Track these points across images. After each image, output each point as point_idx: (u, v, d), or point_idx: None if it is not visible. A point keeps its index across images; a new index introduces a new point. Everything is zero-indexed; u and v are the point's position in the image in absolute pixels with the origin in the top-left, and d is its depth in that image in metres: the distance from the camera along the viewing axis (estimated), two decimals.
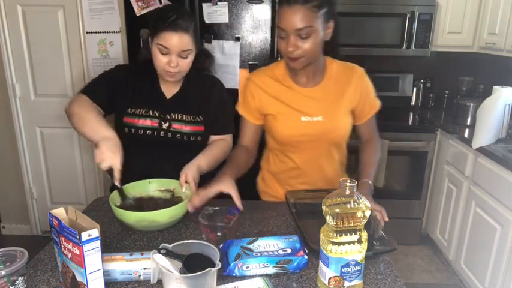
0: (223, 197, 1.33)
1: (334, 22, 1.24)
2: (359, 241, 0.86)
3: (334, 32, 1.25)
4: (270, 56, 2.41)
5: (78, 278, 0.83)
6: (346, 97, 1.34)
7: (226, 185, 1.19)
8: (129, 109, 1.40)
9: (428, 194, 2.82)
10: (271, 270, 0.97)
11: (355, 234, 0.86)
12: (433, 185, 2.78)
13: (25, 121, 2.79)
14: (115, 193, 1.23)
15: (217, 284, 0.89)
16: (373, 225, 1.13)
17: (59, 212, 0.87)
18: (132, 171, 1.31)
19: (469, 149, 2.29)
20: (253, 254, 0.97)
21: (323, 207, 0.86)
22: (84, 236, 0.78)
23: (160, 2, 2.36)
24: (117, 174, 1.23)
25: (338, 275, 0.87)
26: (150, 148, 1.40)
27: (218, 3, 2.32)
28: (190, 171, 1.29)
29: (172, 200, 1.30)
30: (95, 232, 0.80)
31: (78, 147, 2.84)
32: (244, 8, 2.34)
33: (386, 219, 1.14)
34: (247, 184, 1.55)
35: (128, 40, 2.45)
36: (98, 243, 0.81)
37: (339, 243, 0.85)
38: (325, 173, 1.41)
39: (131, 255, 0.96)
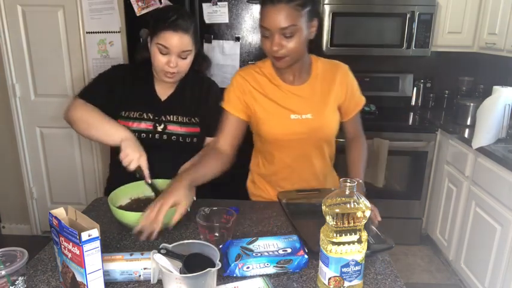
0: (223, 197, 1.33)
1: (317, 20, 1.24)
2: (359, 241, 0.86)
3: (317, 31, 1.25)
4: None
5: (78, 278, 0.83)
6: (332, 94, 1.34)
7: (178, 197, 1.07)
8: (123, 112, 1.40)
9: (428, 194, 2.82)
10: (271, 270, 0.97)
11: (355, 234, 0.86)
12: (433, 185, 2.78)
13: (25, 121, 2.79)
14: (114, 194, 1.23)
15: (217, 284, 0.88)
16: (366, 224, 1.13)
17: (59, 212, 0.87)
18: (129, 172, 1.31)
19: (469, 149, 2.29)
20: (254, 254, 0.97)
21: (323, 207, 0.86)
22: (84, 236, 0.78)
23: (160, 2, 2.36)
24: (146, 172, 1.28)
25: (338, 275, 0.87)
26: (146, 150, 1.38)
27: (218, 3, 2.32)
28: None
29: None
30: (95, 232, 0.80)
31: (78, 147, 2.84)
32: (244, 8, 2.34)
33: (379, 218, 1.14)
34: (245, 185, 1.55)
35: (128, 40, 2.46)
36: (98, 243, 0.81)
37: (339, 243, 0.85)
38: (315, 169, 1.40)
39: (131, 255, 0.96)
